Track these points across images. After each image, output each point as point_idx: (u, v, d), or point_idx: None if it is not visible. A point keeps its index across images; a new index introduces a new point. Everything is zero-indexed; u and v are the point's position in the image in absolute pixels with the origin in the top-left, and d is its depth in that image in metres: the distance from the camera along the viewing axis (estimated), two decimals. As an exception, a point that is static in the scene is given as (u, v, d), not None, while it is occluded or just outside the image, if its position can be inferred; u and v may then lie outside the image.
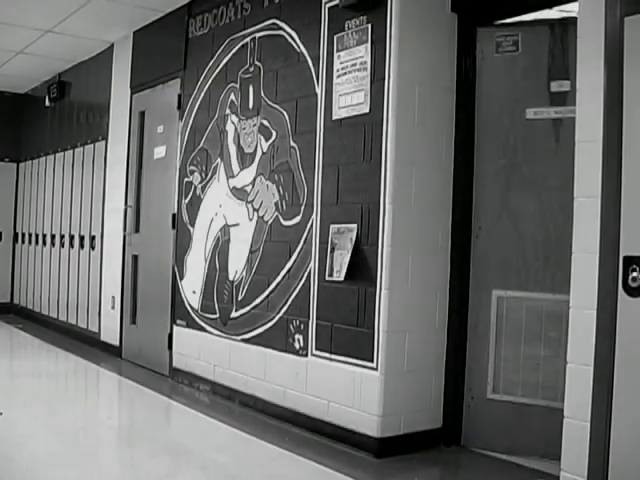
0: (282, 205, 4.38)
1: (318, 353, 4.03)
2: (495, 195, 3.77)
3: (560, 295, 3.42)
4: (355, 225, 3.82)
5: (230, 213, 4.87)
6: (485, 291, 3.79)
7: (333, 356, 3.92)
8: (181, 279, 5.38)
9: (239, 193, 4.79)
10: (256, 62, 4.70)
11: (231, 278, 4.81)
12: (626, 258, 2.71)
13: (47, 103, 8.07)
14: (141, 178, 6.14)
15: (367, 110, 3.78)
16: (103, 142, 6.85)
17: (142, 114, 6.17)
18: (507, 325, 3.70)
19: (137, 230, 6.13)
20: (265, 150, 4.56)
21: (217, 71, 5.08)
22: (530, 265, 3.64)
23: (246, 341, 4.63)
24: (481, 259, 3.82)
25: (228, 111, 4.94)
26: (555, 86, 3.54)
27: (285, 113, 4.40)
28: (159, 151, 5.84)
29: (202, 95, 5.24)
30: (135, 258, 6.12)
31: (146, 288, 5.97)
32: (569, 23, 3.46)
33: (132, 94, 6.31)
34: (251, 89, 4.72)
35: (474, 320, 3.82)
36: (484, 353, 3.77)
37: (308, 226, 4.15)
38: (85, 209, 7.19)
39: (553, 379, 3.47)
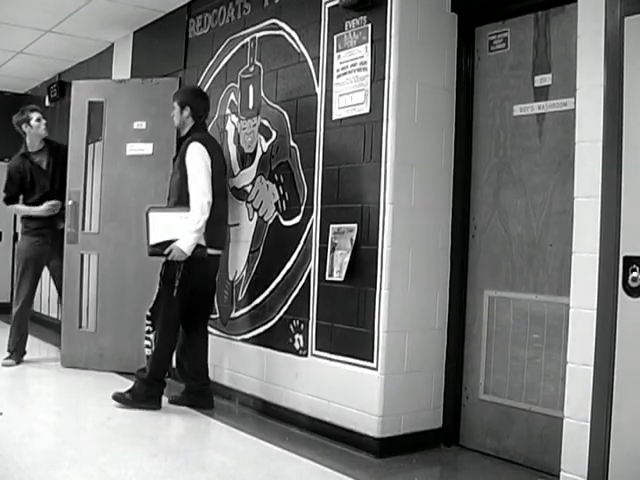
0: (282, 205, 4.38)
1: (318, 353, 4.03)
2: (488, 194, 3.77)
3: (542, 296, 3.44)
4: (355, 225, 3.81)
5: (230, 213, 4.86)
6: (479, 291, 3.79)
7: (333, 356, 3.92)
8: (181, 279, 5.37)
9: (239, 193, 4.79)
10: (256, 62, 4.69)
11: (231, 278, 4.81)
12: (626, 258, 2.71)
13: (47, 103, 8.06)
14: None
15: (367, 110, 3.78)
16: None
17: (142, 114, 6.15)
18: (497, 324, 3.69)
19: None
20: (265, 150, 4.56)
21: (217, 71, 5.08)
22: (516, 264, 3.62)
23: (246, 341, 4.62)
24: (476, 259, 3.82)
25: (228, 111, 4.94)
26: (538, 80, 3.53)
27: (285, 113, 4.40)
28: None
29: (202, 95, 5.23)
30: (135, 258, 6.10)
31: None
32: (551, 13, 3.46)
33: (132, 94, 6.29)
34: (251, 89, 4.72)
35: (471, 320, 3.83)
36: (478, 353, 3.78)
37: (308, 226, 4.15)
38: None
39: (538, 380, 3.46)
